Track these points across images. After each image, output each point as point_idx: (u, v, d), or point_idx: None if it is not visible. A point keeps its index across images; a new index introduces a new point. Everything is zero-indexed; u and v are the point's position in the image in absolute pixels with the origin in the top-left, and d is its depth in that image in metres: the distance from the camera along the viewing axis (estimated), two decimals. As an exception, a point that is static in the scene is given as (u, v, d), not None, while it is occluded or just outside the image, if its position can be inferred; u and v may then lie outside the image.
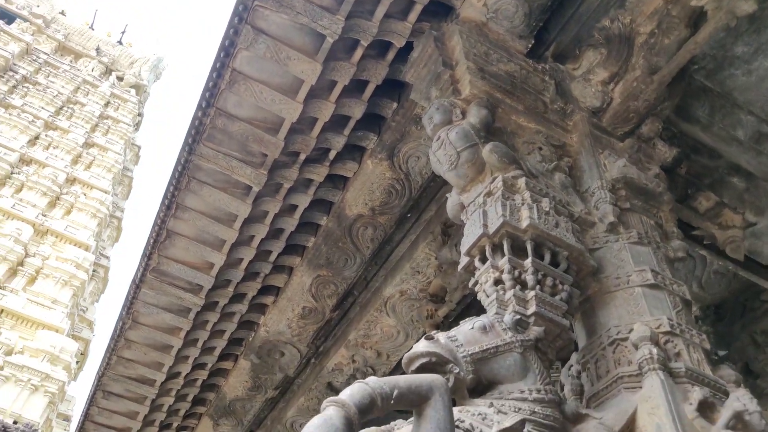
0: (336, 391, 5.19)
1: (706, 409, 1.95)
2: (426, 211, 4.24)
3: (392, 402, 1.47)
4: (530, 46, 3.38)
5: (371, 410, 1.43)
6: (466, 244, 2.48)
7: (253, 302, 4.90)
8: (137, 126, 29.26)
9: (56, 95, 25.15)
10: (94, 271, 23.76)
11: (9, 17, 26.74)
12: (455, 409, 1.71)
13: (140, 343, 5.06)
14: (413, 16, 3.18)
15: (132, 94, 28.51)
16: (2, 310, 19.18)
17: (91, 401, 5.59)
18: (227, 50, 3.16)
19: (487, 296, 2.26)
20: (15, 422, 16.49)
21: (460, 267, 2.54)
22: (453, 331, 1.97)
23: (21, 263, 20.52)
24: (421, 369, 1.78)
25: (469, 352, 1.88)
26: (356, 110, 3.63)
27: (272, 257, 4.53)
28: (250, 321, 5.14)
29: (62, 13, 29.87)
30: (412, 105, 3.68)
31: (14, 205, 21.36)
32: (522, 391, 1.86)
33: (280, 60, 3.17)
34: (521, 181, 2.56)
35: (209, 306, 4.81)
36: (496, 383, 1.91)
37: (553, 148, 2.99)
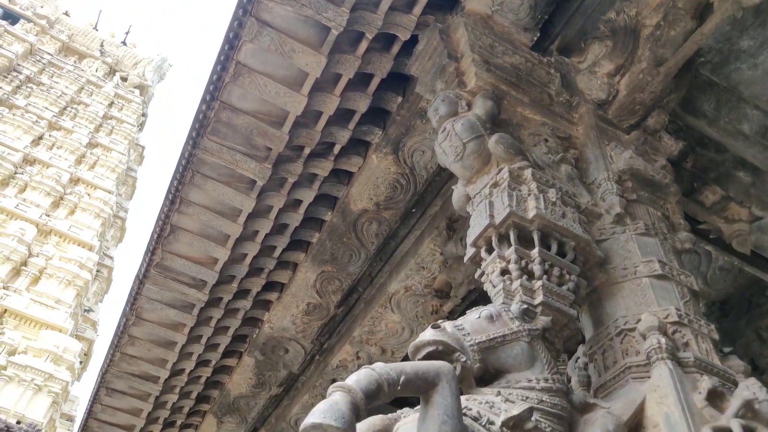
0: (340, 388, 5.15)
1: (715, 398, 1.93)
2: (431, 206, 4.23)
3: (399, 388, 1.46)
4: (535, 39, 3.37)
5: (378, 396, 1.42)
6: (472, 234, 2.47)
7: (257, 298, 4.89)
8: (141, 126, 29.33)
9: (60, 95, 25.23)
10: (97, 271, 23.81)
11: (13, 18, 26.86)
12: (462, 398, 1.69)
13: (144, 339, 5.05)
14: (418, 9, 3.17)
15: (136, 94, 28.59)
16: (6, 310, 19.22)
17: (95, 398, 5.59)
18: (231, 43, 3.15)
19: (494, 286, 2.24)
20: (18, 422, 16.52)
21: (466, 258, 2.53)
22: (459, 320, 1.95)
23: (24, 263, 20.57)
24: (428, 358, 1.77)
25: (476, 341, 1.86)
26: (361, 104, 3.62)
27: (276, 253, 4.52)
28: (255, 318, 5.13)
29: (66, 13, 29.99)
30: (417, 99, 3.67)
31: (18, 205, 21.42)
32: (529, 380, 1.85)
33: (285, 53, 3.17)
34: (527, 172, 2.55)
35: (213, 302, 4.80)
36: (503, 372, 1.89)
37: (559, 140, 2.98)
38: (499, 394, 1.78)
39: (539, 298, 2.12)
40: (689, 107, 3.70)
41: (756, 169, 3.82)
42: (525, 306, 2.04)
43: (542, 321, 2.05)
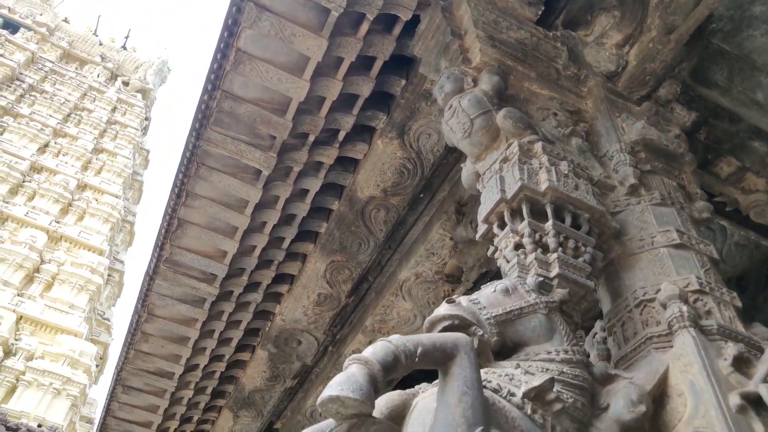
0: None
1: (741, 364, 1.88)
2: (439, 191, 4.18)
3: (416, 360, 1.42)
4: (540, 13, 3.30)
5: (395, 368, 1.38)
6: (483, 211, 2.42)
7: (268, 291, 4.88)
8: (145, 130, 29.43)
9: (63, 102, 25.34)
10: (109, 275, 23.97)
11: (13, 27, 26.98)
12: (481, 371, 1.65)
13: (157, 335, 5.06)
14: (419, -13, 3.11)
15: (138, 98, 28.66)
16: (21, 317, 19.41)
17: (112, 396, 5.61)
18: (231, 30, 3.11)
19: (508, 261, 2.20)
20: (39, 425, 16.71)
21: (478, 236, 2.48)
22: (474, 295, 1.91)
23: (37, 270, 20.74)
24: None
25: (493, 315, 1.82)
26: (364, 88, 3.57)
27: (285, 244, 4.50)
28: (266, 311, 5.12)
29: (65, 20, 30.08)
30: (421, 81, 3.62)
31: (27, 213, 21.58)
32: (549, 352, 1.80)
33: (285, 37, 3.12)
34: (538, 146, 2.49)
35: (224, 296, 4.79)
36: (521, 345, 1.85)
37: (569, 113, 2.92)
38: (518, 366, 1.74)
39: (555, 271, 2.07)
40: (701, 78, 3.62)
41: (771, 138, 3.74)
42: (541, 278, 2.00)
43: (559, 293, 2.00)
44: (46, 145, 23.98)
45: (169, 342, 5.09)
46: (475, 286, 4.69)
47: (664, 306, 2.06)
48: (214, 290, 4.62)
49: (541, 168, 2.37)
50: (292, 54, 3.24)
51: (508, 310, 1.85)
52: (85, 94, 26.78)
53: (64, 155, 24.10)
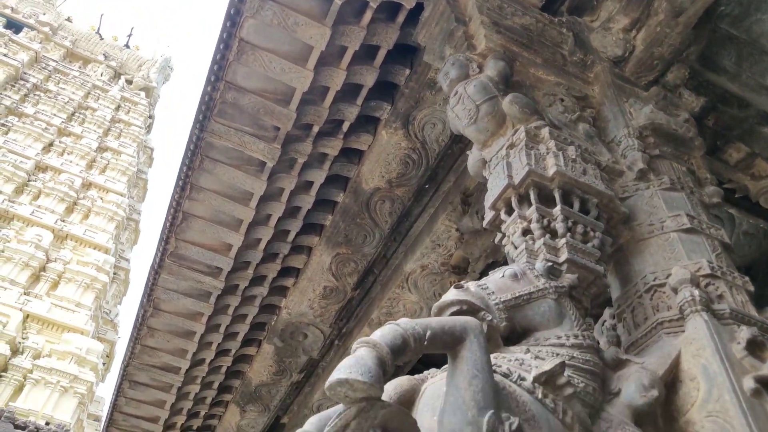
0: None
1: (755, 348, 1.85)
2: (445, 181, 4.15)
3: (425, 343, 1.39)
4: (544, -1, 3.26)
5: (404, 351, 1.36)
6: (490, 197, 2.39)
7: (273, 285, 4.87)
8: (149, 128, 29.47)
9: (67, 101, 25.40)
10: (114, 273, 24.06)
11: (17, 27, 27.03)
12: (491, 356, 1.63)
13: (163, 330, 5.06)
14: (422, -26, 3.08)
15: (142, 96, 28.69)
16: (28, 315, 19.51)
17: (118, 391, 5.62)
18: (233, 19, 3.09)
19: (515, 247, 2.17)
20: (47, 423, 16.81)
21: (485, 222, 2.45)
22: (483, 280, 1.89)
23: (43, 269, 20.84)
24: (452, 319, 1.70)
25: (501, 300, 1.80)
26: (368, 78, 3.55)
27: (290, 237, 4.48)
28: (272, 305, 5.11)
29: (68, 19, 30.12)
30: (425, 70, 3.59)
31: (33, 212, 21.66)
32: (559, 337, 1.78)
33: (288, 26, 3.10)
34: (545, 131, 2.46)
35: (230, 289, 4.79)
36: (530, 331, 1.82)
37: (575, 99, 2.88)
38: (528, 351, 1.71)
39: (564, 256, 2.04)
40: (709, 63, 3.57)
41: (781, 124, 3.68)
42: (550, 263, 1.97)
43: (568, 279, 1.97)
44: (51, 144, 24.06)
45: (175, 336, 5.09)
46: (482, 277, 4.67)
47: (675, 290, 2.03)
48: (220, 284, 4.61)
49: (548, 153, 2.34)
50: (296, 43, 3.22)
51: (517, 295, 1.83)
52: (89, 93, 26.84)
53: (68, 154, 24.17)
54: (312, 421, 1.47)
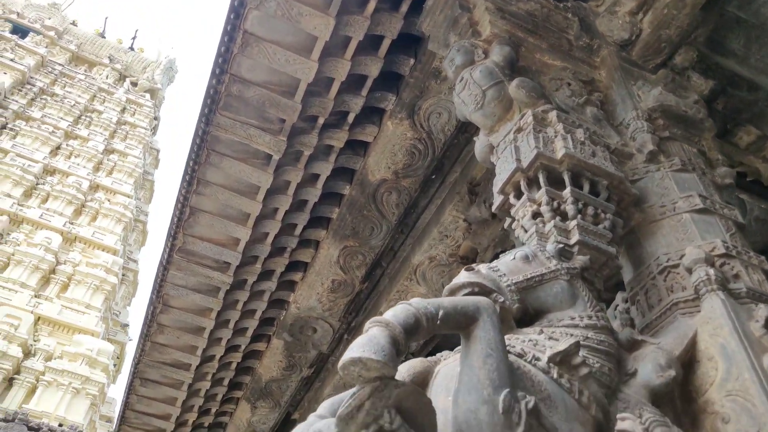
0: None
1: (773, 326, 1.82)
2: (451, 171, 4.13)
3: (438, 323, 1.38)
4: (549, -16, 3.23)
5: (417, 330, 1.34)
6: (498, 182, 2.37)
7: (281, 279, 4.86)
8: (154, 130, 29.59)
9: (74, 105, 25.55)
10: (123, 275, 24.20)
11: (23, 31, 27.21)
12: (504, 337, 1.61)
13: (172, 326, 5.07)
14: (426, -39, 3.06)
15: (147, 98, 28.81)
16: (39, 318, 19.67)
17: (130, 389, 5.65)
18: (237, 11, 3.08)
19: (526, 231, 2.15)
20: (60, 425, 16.95)
21: (494, 207, 2.43)
22: (494, 263, 1.87)
23: (53, 271, 20.99)
24: (464, 301, 1.68)
25: (513, 281, 1.78)
26: (373, 68, 3.53)
27: (298, 230, 4.48)
28: (280, 299, 5.11)
29: (73, 23, 30.28)
30: (430, 59, 3.56)
31: (42, 215, 21.82)
32: (572, 318, 1.76)
33: (292, 17, 3.09)
34: (552, 114, 2.44)
35: (238, 284, 4.79)
36: (543, 312, 1.80)
37: (582, 83, 2.85)
38: (541, 332, 1.69)
39: (575, 238, 2.02)
40: (717, 47, 3.52)
41: (792, 106, 3.63)
42: (561, 245, 1.95)
43: (580, 260, 1.95)
44: (58, 148, 24.21)
45: (184, 333, 5.11)
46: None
47: (690, 271, 2.00)
48: (228, 279, 4.62)
49: (556, 136, 2.31)
50: (300, 34, 3.20)
51: (529, 276, 1.81)
52: (95, 96, 26.98)
53: (75, 157, 24.32)
54: (324, 405, 1.45)
